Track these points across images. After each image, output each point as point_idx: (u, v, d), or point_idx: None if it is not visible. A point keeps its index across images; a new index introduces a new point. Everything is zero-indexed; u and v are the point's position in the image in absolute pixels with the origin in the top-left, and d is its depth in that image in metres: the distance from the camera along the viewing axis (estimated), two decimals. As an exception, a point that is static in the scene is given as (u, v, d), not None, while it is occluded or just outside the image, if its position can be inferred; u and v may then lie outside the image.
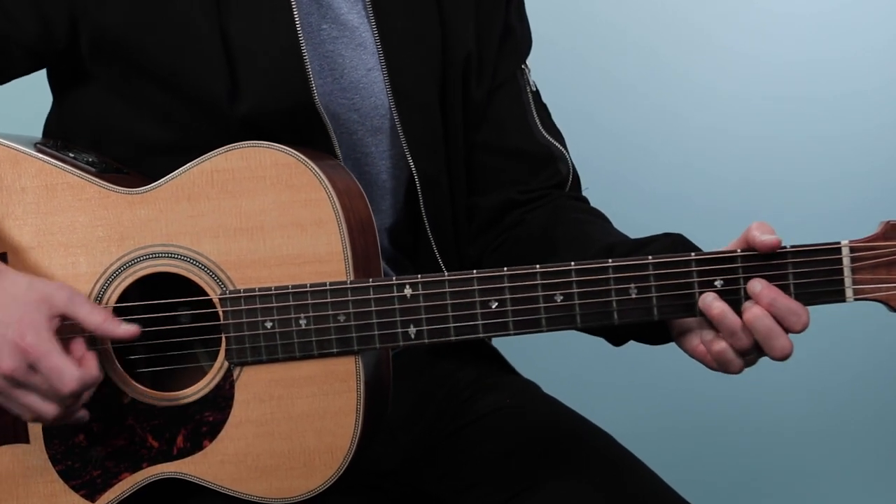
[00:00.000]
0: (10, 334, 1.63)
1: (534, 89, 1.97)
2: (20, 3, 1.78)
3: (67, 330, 1.67)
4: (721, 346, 1.65)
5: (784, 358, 1.63)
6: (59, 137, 1.86)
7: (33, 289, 1.65)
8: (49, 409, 1.65)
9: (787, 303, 1.62)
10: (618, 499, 1.78)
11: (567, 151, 1.98)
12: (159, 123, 1.80)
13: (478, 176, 1.94)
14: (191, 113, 1.78)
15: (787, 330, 1.63)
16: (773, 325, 1.61)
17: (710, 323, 1.65)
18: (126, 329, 1.66)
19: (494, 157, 1.93)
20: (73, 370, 1.63)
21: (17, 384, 1.64)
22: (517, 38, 1.96)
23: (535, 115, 1.96)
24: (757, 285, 1.62)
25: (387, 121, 1.86)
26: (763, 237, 1.62)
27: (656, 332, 1.74)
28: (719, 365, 1.66)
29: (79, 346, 1.67)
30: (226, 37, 1.76)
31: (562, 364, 2.80)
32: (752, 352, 1.65)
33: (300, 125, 1.78)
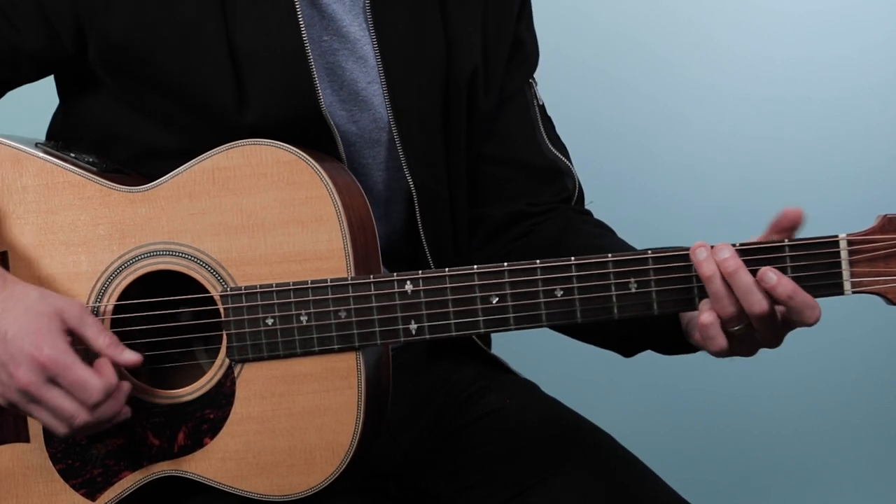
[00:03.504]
0: (27, 347, 1.62)
1: (540, 103, 1.98)
2: (27, 13, 1.78)
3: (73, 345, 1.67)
4: (709, 317, 1.63)
5: (814, 322, 1.62)
6: (61, 139, 1.87)
7: (45, 301, 1.66)
8: (61, 426, 1.65)
9: (804, 297, 1.61)
10: (618, 498, 1.79)
11: (572, 165, 1.98)
12: (165, 129, 1.80)
13: (485, 187, 1.94)
14: (197, 120, 1.78)
15: (801, 323, 1.62)
16: (805, 297, 1.61)
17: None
18: (129, 357, 1.67)
19: (502, 170, 1.94)
20: (96, 381, 1.63)
21: (31, 399, 1.64)
22: (526, 51, 1.96)
23: (543, 130, 1.96)
24: (772, 277, 1.62)
25: (385, 133, 1.86)
26: (788, 209, 1.64)
27: (669, 339, 1.74)
28: (702, 339, 1.65)
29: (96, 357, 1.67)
30: (232, 45, 1.76)
31: (562, 364, 2.80)
32: (738, 323, 1.63)
33: (306, 134, 1.78)
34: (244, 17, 1.76)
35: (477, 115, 1.90)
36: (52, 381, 1.63)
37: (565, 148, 1.99)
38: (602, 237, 1.89)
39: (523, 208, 1.93)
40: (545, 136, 1.96)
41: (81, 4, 1.76)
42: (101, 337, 1.66)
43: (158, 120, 1.80)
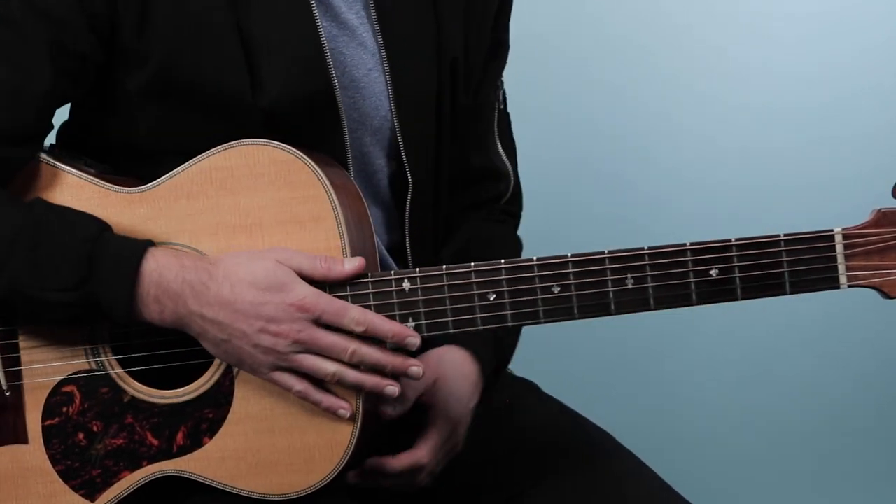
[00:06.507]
0: (282, 298, 1.63)
1: (502, 106, 1.99)
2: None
3: None
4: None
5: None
6: (61, 144, 1.87)
7: (258, 256, 1.66)
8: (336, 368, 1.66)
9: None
10: (618, 498, 1.79)
11: (515, 166, 2.00)
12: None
13: None
14: (214, 112, 1.74)
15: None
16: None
17: None
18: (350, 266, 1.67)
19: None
20: (353, 308, 1.64)
21: (302, 349, 1.64)
22: (503, 53, 1.97)
23: (496, 130, 1.97)
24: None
25: (386, 122, 1.86)
26: None
27: None
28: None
29: None
30: (243, 30, 1.73)
31: (561, 364, 2.80)
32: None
33: (318, 116, 1.77)
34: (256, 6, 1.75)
35: (458, 108, 1.90)
36: (316, 322, 1.65)
37: (513, 147, 2.01)
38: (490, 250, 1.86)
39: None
40: (497, 137, 1.97)
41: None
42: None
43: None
